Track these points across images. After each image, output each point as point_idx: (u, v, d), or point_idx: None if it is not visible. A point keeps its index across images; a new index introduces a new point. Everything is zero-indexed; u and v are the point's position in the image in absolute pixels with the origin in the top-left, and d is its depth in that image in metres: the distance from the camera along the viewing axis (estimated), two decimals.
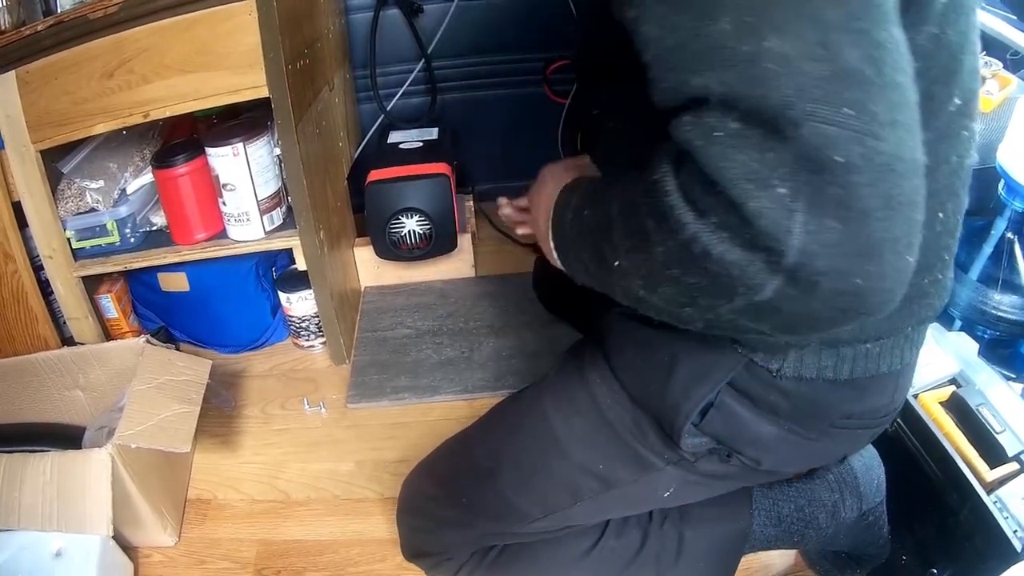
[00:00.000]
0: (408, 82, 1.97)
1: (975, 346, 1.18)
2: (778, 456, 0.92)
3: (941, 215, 0.76)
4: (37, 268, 1.60)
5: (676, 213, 0.58)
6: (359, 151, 1.96)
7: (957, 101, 0.72)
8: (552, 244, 0.87)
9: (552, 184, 0.92)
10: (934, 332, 1.19)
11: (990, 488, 0.98)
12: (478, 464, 1.08)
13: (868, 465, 1.16)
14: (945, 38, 0.68)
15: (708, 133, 0.55)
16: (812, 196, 0.52)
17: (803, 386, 0.84)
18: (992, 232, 1.31)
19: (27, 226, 1.54)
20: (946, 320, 1.42)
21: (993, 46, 1.49)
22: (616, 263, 0.69)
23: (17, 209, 1.52)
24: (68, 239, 1.58)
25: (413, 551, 1.19)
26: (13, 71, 1.38)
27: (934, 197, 0.65)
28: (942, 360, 1.14)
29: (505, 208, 1.26)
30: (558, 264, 0.89)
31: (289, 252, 1.72)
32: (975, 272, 1.36)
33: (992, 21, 1.48)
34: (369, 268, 1.91)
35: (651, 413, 0.93)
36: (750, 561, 1.25)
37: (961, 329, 1.36)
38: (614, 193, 0.70)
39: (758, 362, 0.84)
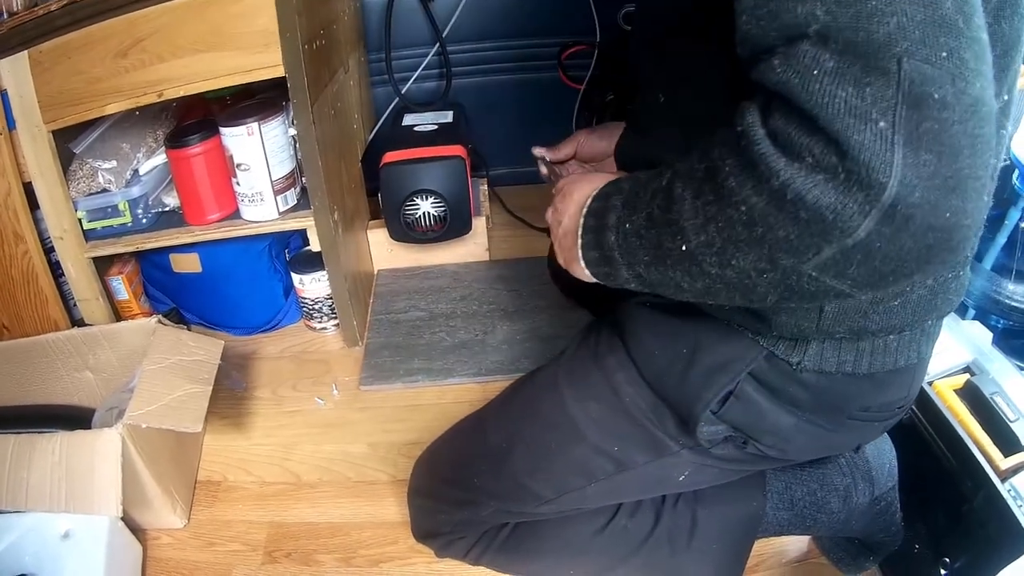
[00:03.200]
0: (423, 66, 1.96)
1: (989, 335, 1.18)
2: (795, 445, 0.92)
3: None
4: (48, 249, 1.59)
5: (767, 160, 0.58)
6: (373, 134, 1.95)
7: (1005, 97, 0.73)
8: (583, 260, 0.83)
9: (577, 197, 0.86)
10: (948, 320, 1.19)
11: (1004, 476, 0.99)
12: (491, 446, 1.07)
13: (880, 450, 1.16)
14: (1000, 30, 0.67)
15: (805, 71, 0.56)
16: (910, 130, 0.53)
17: (823, 379, 0.85)
18: (1006, 222, 1.33)
19: (38, 207, 1.53)
20: (960, 309, 1.42)
21: None
22: (683, 247, 0.67)
23: (28, 190, 1.50)
24: (79, 220, 1.57)
25: (423, 531, 1.19)
26: (26, 51, 1.37)
27: None
28: (956, 348, 1.15)
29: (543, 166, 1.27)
30: (586, 276, 0.85)
31: (302, 233, 1.71)
32: (989, 261, 1.38)
33: None
34: (383, 251, 1.90)
35: (669, 400, 0.93)
36: (764, 548, 1.24)
37: (975, 318, 1.38)
38: (675, 175, 0.69)
39: (779, 355, 0.84)
